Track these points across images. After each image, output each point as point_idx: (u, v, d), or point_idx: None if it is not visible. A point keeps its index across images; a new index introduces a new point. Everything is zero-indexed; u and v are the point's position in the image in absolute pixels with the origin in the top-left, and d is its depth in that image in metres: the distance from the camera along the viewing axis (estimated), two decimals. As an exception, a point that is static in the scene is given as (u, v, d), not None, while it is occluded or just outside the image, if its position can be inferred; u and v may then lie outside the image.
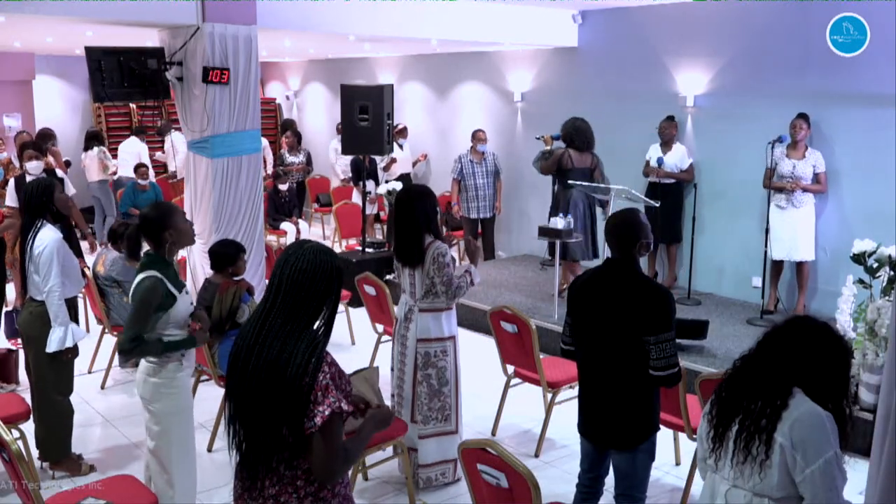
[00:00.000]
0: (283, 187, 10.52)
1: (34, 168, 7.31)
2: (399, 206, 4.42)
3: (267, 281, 7.47)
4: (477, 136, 9.32)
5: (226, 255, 5.12)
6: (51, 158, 8.63)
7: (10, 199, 7.06)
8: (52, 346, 4.44)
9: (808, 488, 2.38)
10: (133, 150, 11.28)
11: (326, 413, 2.25)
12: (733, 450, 2.48)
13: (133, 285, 3.62)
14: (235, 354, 2.39)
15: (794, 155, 6.97)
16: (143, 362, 3.71)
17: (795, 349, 2.49)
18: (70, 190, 7.80)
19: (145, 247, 3.79)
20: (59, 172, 8.32)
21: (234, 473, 2.47)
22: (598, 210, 7.67)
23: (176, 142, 11.35)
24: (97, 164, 10.86)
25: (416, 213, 4.32)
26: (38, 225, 4.48)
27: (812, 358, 2.47)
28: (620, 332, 3.33)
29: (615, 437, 3.46)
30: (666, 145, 8.02)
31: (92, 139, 11.10)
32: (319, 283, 2.32)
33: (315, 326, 2.34)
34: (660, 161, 7.91)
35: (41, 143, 10.05)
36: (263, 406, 2.29)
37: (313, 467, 2.30)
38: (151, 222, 3.67)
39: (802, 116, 6.98)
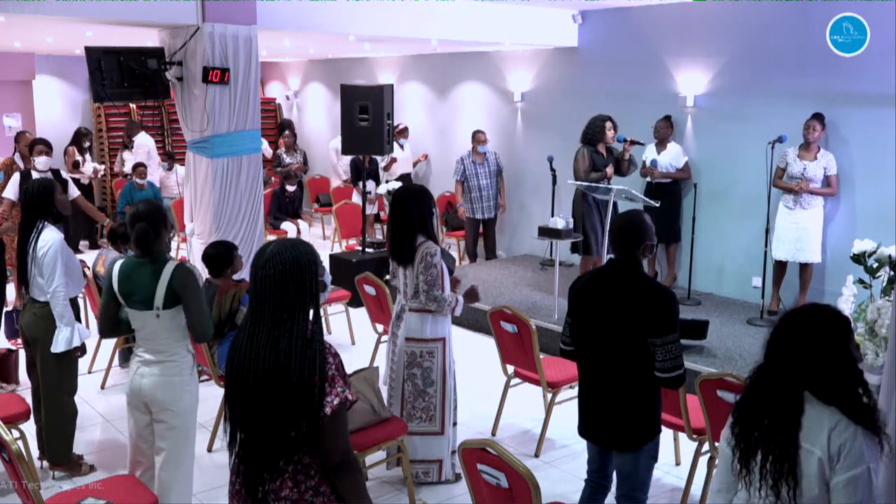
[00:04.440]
0: (291, 188, 10.53)
1: (42, 164, 7.26)
2: (394, 204, 4.46)
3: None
4: (477, 138, 9.33)
5: (222, 257, 5.11)
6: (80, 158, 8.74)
7: (11, 192, 6.95)
8: (60, 346, 4.43)
9: (833, 498, 2.28)
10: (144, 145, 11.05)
11: (335, 403, 2.32)
12: (760, 475, 2.35)
13: (168, 275, 3.60)
14: (232, 368, 2.41)
15: (807, 156, 6.90)
16: (148, 367, 3.71)
17: (792, 343, 2.35)
18: (73, 192, 7.75)
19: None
20: (65, 174, 8.23)
21: (231, 470, 2.49)
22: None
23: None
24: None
25: (409, 212, 4.35)
26: (40, 226, 4.47)
27: (808, 343, 2.32)
28: (623, 334, 3.32)
29: (619, 439, 3.45)
30: (661, 145, 8.04)
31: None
32: (289, 283, 2.33)
33: (304, 322, 2.35)
34: (653, 162, 7.94)
35: (82, 140, 10.59)
36: (271, 413, 2.32)
37: (323, 455, 2.35)
38: (156, 217, 3.73)
39: (816, 117, 6.88)
